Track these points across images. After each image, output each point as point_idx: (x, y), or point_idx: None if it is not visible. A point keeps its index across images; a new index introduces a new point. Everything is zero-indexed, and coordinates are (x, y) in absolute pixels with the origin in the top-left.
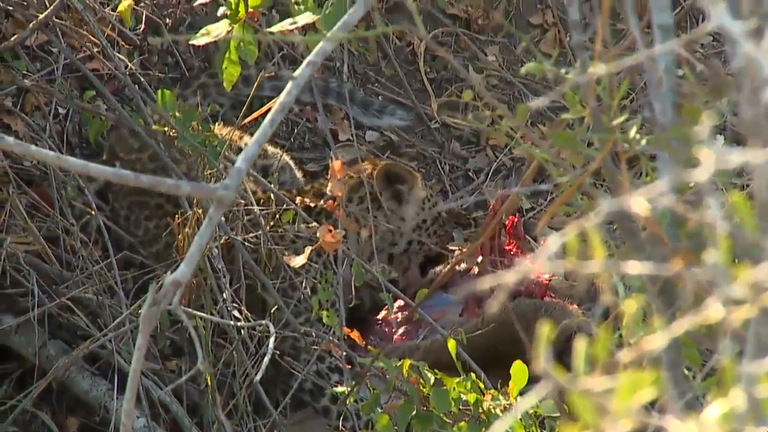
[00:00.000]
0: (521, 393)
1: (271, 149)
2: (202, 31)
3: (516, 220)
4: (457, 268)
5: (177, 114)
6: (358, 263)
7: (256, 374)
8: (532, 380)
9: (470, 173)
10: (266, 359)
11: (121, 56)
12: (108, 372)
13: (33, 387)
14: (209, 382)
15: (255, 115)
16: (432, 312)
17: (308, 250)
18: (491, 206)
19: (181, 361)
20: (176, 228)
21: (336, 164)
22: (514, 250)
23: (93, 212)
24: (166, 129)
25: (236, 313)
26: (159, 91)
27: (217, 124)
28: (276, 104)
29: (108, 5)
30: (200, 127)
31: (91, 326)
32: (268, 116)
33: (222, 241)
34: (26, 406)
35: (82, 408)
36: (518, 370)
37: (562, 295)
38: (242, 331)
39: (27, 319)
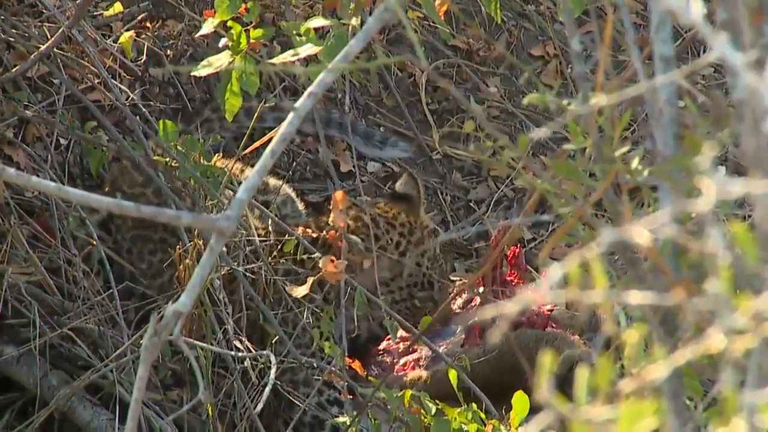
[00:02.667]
0: (522, 423)
1: (272, 182)
2: (204, 62)
3: (517, 250)
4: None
5: (179, 146)
6: (361, 292)
7: (255, 406)
8: (534, 410)
9: (472, 204)
10: (267, 390)
11: (122, 87)
12: (109, 402)
13: (34, 417)
14: (210, 413)
15: (255, 145)
16: (434, 343)
17: (311, 280)
18: (493, 237)
19: (182, 391)
20: (177, 259)
21: (338, 194)
22: (516, 280)
23: (94, 243)
24: (167, 160)
25: (237, 344)
26: (161, 122)
27: (216, 155)
28: (277, 135)
29: (109, 37)
30: (202, 159)
31: (92, 356)
32: (269, 147)
33: (223, 272)
34: None
35: None
36: (519, 400)
37: (563, 325)
38: (244, 361)
39: (28, 349)
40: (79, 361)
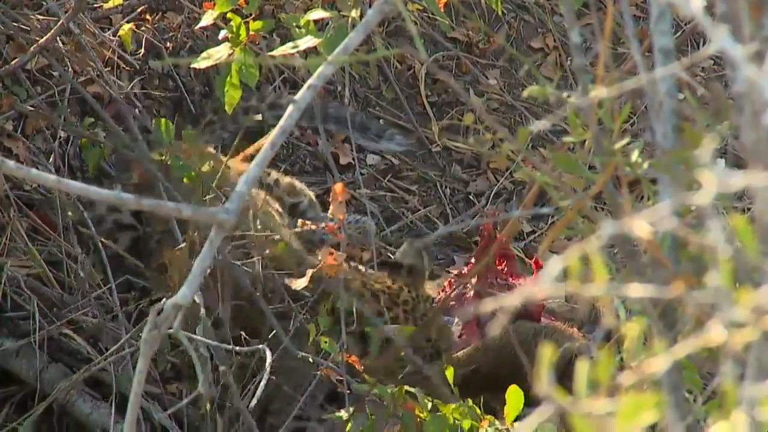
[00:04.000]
0: (520, 417)
1: (298, 185)
2: (204, 54)
3: (504, 239)
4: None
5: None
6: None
7: (250, 401)
8: (532, 403)
9: (471, 197)
10: (262, 384)
11: (121, 81)
12: (109, 395)
13: (34, 410)
14: (206, 408)
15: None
16: None
17: (309, 272)
18: (483, 229)
19: (181, 384)
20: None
21: (337, 187)
22: (506, 269)
23: (94, 236)
24: (164, 158)
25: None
26: (159, 120)
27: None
28: (276, 128)
29: (109, 29)
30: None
31: (91, 350)
32: (269, 140)
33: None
34: (27, 429)
35: (83, 431)
36: (514, 394)
37: (563, 318)
38: (239, 355)
39: (28, 342)
40: (79, 355)
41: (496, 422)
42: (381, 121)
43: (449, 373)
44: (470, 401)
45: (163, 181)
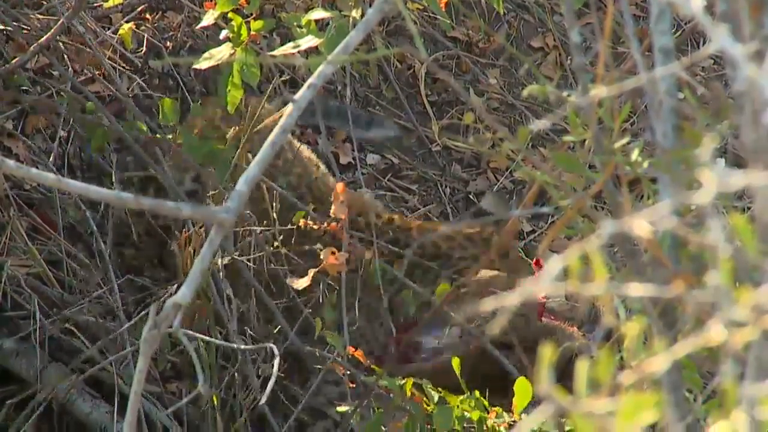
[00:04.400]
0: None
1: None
2: (205, 54)
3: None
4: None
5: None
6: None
7: (261, 397)
8: (533, 401)
9: (471, 196)
10: (271, 381)
11: (130, 75)
12: (109, 394)
13: (34, 410)
14: (215, 403)
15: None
16: (433, 333)
17: (311, 272)
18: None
19: (181, 383)
20: (179, 246)
21: (338, 186)
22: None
23: (94, 233)
24: (170, 137)
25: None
26: (160, 102)
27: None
28: (277, 127)
29: (109, 29)
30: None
31: (92, 349)
32: (269, 139)
33: (227, 262)
34: (27, 429)
35: (83, 430)
36: (521, 387)
37: (562, 317)
38: (246, 353)
39: (28, 341)
40: (79, 354)
41: (504, 414)
42: (377, 108)
43: (455, 364)
44: (477, 393)
45: (165, 175)
